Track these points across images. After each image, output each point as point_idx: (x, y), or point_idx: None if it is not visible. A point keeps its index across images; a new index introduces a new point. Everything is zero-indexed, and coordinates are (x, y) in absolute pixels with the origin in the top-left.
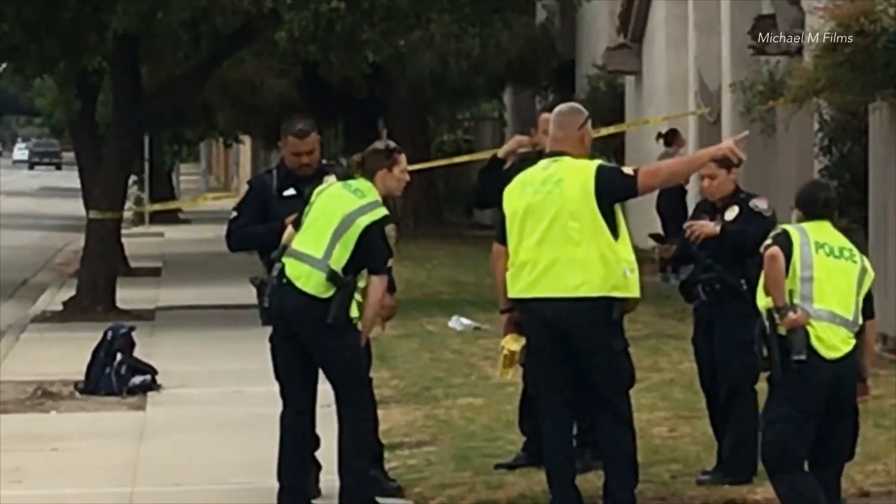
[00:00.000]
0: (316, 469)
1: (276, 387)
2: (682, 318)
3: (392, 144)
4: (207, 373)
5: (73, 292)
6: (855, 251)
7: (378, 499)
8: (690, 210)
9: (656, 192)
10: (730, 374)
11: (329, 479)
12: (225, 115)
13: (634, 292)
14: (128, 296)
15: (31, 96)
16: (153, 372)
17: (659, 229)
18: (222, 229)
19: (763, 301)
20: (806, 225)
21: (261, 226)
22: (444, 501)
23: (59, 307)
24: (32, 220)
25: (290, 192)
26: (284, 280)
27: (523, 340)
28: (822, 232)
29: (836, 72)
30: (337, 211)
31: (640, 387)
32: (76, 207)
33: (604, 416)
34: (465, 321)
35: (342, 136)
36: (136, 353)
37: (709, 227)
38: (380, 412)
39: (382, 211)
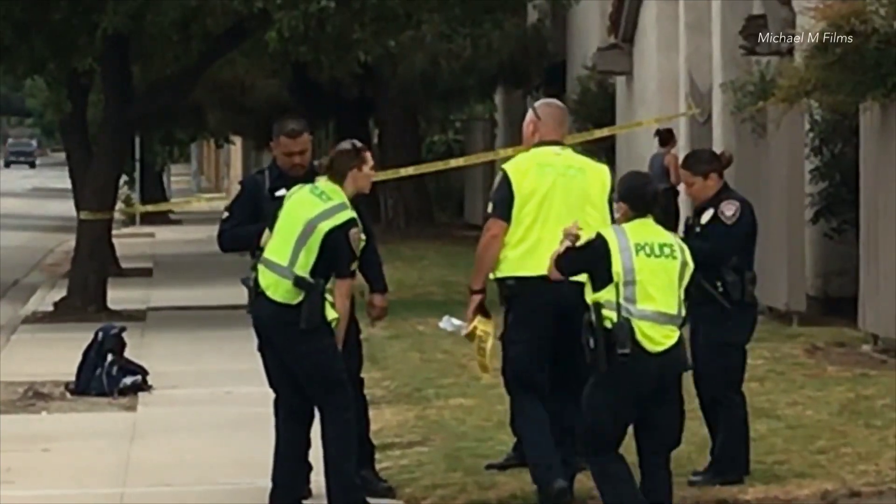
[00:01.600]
0: (307, 470)
1: (266, 387)
2: None
3: (358, 144)
4: (198, 373)
5: (64, 293)
6: (675, 246)
7: (369, 499)
8: (682, 210)
9: None
10: (709, 380)
11: (320, 479)
12: (215, 115)
13: None
14: (119, 296)
15: (22, 96)
16: (144, 372)
17: None
18: (213, 230)
19: (590, 295)
20: (627, 226)
21: (253, 226)
22: (435, 502)
23: (50, 308)
24: (23, 220)
25: (283, 192)
26: (259, 290)
27: (492, 323)
28: (644, 231)
29: (827, 72)
30: (300, 217)
31: None
32: (67, 208)
33: (575, 389)
34: (456, 321)
35: (333, 137)
36: (127, 354)
37: None
38: (371, 413)
39: (347, 214)
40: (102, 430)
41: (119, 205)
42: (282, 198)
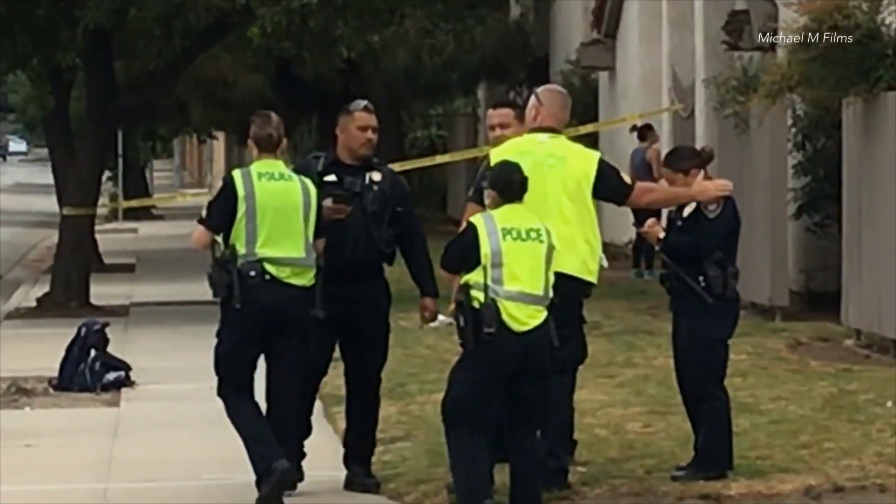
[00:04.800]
0: (300, 455)
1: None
2: (656, 314)
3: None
4: (181, 369)
5: (46, 288)
6: (542, 230)
7: (355, 494)
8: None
9: None
10: (691, 375)
11: (312, 475)
12: (198, 111)
13: (596, 280)
14: (102, 292)
15: (4, 92)
16: (127, 368)
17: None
18: (195, 226)
19: (463, 277)
20: (496, 212)
21: None
22: (418, 497)
23: (33, 303)
24: (6, 216)
25: (332, 177)
26: (268, 277)
27: None
28: (512, 216)
29: (809, 67)
30: (291, 204)
31: (615, 382)
32: (50, 203)
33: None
34: (440, 317)
35: (316, 132)
36: (110, 350)
37: (653, 232)
38: None
39: (306, 179)
40: (85, 425)
41: (103, 200)
42: (329, 183)
